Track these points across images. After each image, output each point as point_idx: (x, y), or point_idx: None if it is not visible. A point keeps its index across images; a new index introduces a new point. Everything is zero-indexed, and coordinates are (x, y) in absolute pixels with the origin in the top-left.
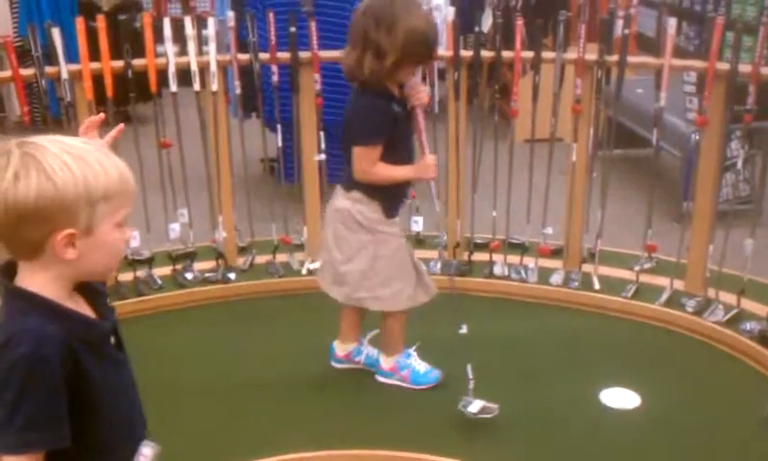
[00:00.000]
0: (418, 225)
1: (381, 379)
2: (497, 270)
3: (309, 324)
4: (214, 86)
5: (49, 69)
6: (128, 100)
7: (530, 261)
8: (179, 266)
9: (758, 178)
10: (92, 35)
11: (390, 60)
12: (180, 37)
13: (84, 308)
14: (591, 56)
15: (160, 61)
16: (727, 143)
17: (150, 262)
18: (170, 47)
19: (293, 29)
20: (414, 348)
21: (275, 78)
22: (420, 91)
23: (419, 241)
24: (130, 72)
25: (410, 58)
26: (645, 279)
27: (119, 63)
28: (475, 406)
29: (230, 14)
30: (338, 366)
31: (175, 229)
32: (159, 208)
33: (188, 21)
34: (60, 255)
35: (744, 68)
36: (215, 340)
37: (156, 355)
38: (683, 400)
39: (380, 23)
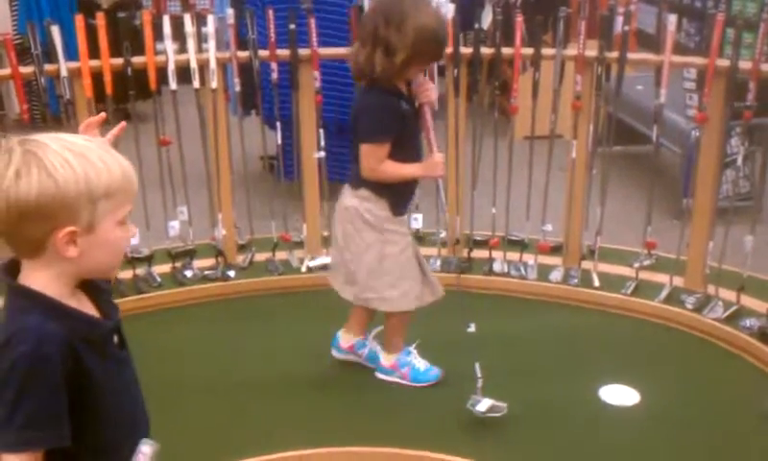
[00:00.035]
0: (417, 222)
1: (381, 377)
2: (497, 267)
3: (309, 321)
4: (214, 84)
5: (48, 67)
6: (127, 98)
7: (529, 258)
8: (178, 264)
9: (758, 174)
10: (92, 32)
11: (400, 57)
12: (179, 35)
13: (88, 306)
14: (591, 52)
15: (160, 59)
16: (727, 140)
17: (149, 260)
18: (169, 45)
19: (292, 26)
20: (414, 345)
21: (274, 75)
22: (429, 89)
23: (418, 238)
24: (129, 70)
25: (420, 55)
26: (645, 275)
27: (119, 61)
28: (484, 405)
29: (230, 12)
30: (338, 355)
31: (174, 226)
32: (159, 206)
33: (188, 19)
34: (61, 253)
35: (744, 65)
36: (215, 338)
37: (156, 353)
38: (682, 396)
39: (390, 21)
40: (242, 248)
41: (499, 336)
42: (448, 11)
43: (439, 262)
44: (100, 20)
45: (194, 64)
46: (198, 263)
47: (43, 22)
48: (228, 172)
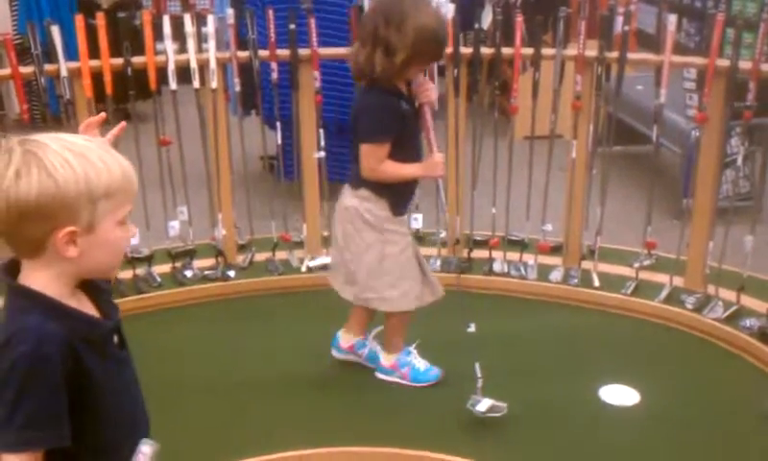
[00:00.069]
0: (417, 222)
1: (381, 377)
2: (497, 267)
3: (309, 321)
4: (214, 84)
5: (48, 67)
6: (127, 98)
7: (529, 258)
8: (178, 264)
9: (758, 174)
10: (92, 32)
11: (400, 57)
12: (179, 35)
13: (88, 306)
14: (591, 52)
15: (160, 59)
16: (727, 140)
17: (149, 260)
18: (169, 45)
19: (292, 26)
20: (414, 345)
21: (274, 75)
22: (429, 89)
23: (418, 238)
24: (129, 70)
25: (420, 55)
26: (645, 275)
27: (119, 61)
28: (484, 405)
29: (230, 12)
30: (338, 355)
31: (174, 226)
32: (159, 206)
33: (188, 19)
34: (61, 253)
35: (744, 65)
36: (215, 338)
37: (156, 353)
38: (682, 396)
39: (390, 20)
40: (242, 248)
41: (499, 336)
42: (448, 11)
43: (439, 262)
44: (100, 20)
45: (194, 64)
46: (198, 263)
47: (43, 22)
48: (228, 172)
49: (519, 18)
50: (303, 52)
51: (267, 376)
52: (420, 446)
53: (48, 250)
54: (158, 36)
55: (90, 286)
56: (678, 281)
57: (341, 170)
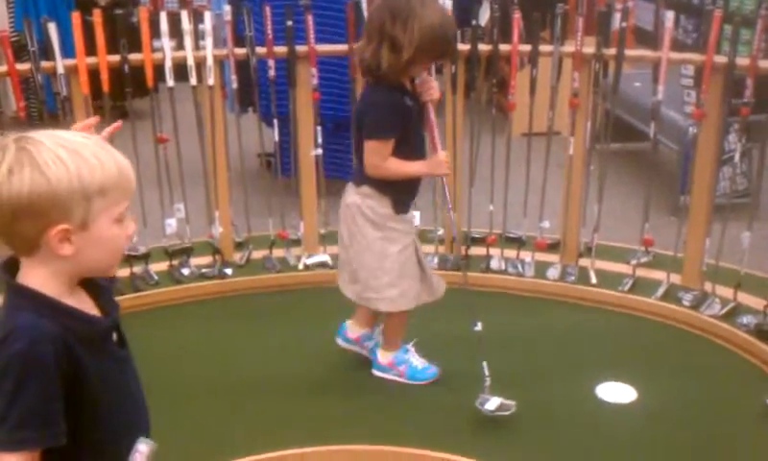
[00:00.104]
0: (415, 219)
1: (378, 374)
2: (494, 264)
3: (306, 319)
4: (211, 81)
5: (45, 64)
6: (124, 95)
7: (527, 255)
8: (175, 262)
9: (756, 171)
10: (89, 29)
11: (406, 54)
12: (176, 32)
13: (87, 304)
14: (589, 49)
15: (157, 56)
16: (724, 136)
17: (146, 258)
18: (167, 42)
19: (290, 23)
20: (411, 343)
21: (271, 72)
22: (432, 87)
23: None
24: (126, 67)
25: (426, 52)
26: (642, 273)
27: (116, 58)
28: (492, 404)
29: (227, 9)
30: (343, 344)
31: (171, 224)
32: (156, 204)
33: (185, 15)
34: (55, 251)
35: (742, 61)
36: (212, 335)
37: (153, 351)
38: (679, 394)
39: (396, 17)
40: (239, 245)
41: (496, 334)
42: (446, 7)
43: (436, 260)
44: (97, 17)
45: (191, 61)
46: (195, 261)
47: (40, 19)
48: (226, 169)
49: (517, 15)
50: (301, 49)
51: (265, 374)
52: (419, 444)
53: (43, 248)
54: (155, 33)
55: (92, 284)
56: (675, 278)
57: (338, 167)
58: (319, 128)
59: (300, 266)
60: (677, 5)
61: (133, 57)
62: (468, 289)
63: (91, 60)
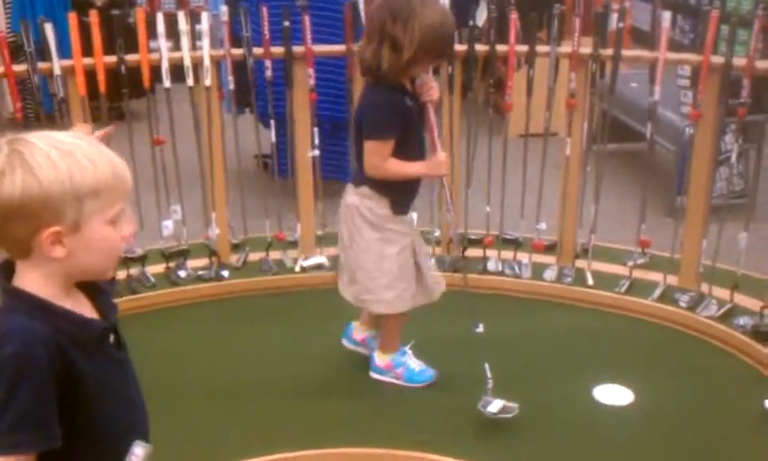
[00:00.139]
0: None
1: (375, 376)
2: (491, 266)
3: (303, 321)
4: (208, 82)
5: (42, 65)
6: (121, 96)
7: (524, 257)
8: (172, 264)
9: (752, 172)
10: (85, 30)
11: (406, 54)
12: (173, 33)
13: (85, 306)
14: (586, 49)
15: (154, 57)
16: (721, 137)
17: (143, 260)
18: (163, 42)
19: (287, 23)
20: (409, 346)
21: (268, 73)
22: (432, 87)
23: None
24: (123, 68)
25: (426, 53)
26: (639, 274)
27: (112, 59)
28: (495, 406)
29: (224, 9)
30: (348, 345)
31: (168, 226)
32: (152, 205)
33: (182, 16)
34: (47, 253)
35: (738, 62)
36: (208, 338)
37: (149, 353)
38: (676, 395)
39: (397, 17)
40: (236, 247)
41: (493, 335)
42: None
43: (433, 261)
44: (93, 18)
45: (188, 62)
46: (191, 263)
47: (37, 20)
48: (222, 170)
49: (514, 15)
50: (298, 49)
51: (262, 377)
52: (417, 447)
53: (36, 250)
54: (152, 33)
55: (91, 287)
56: (672, 280)
57: (336, 168)
58: (316, 129)
59: (297, 268)
60: (674, 5)
61: (130, 57)
62: (466, 291)
63: (88, 60)
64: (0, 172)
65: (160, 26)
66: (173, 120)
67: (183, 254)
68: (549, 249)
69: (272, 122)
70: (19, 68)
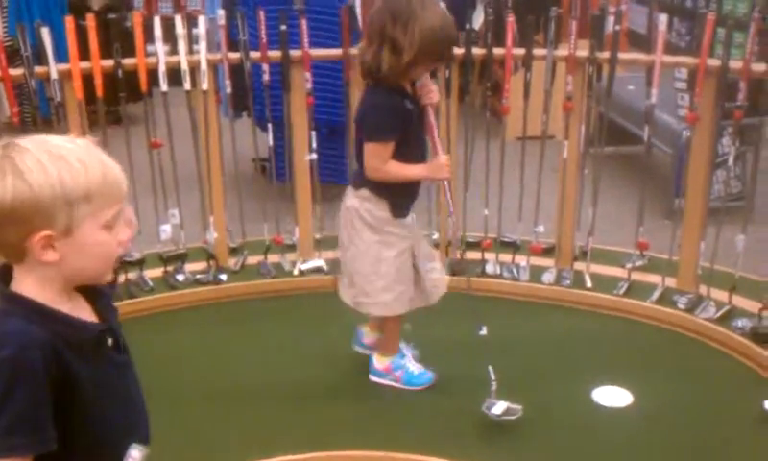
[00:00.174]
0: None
1: (374, 379)
2: (489, 269)
3: (301, 324)
4: (205, 86)
5: (38, 69)
6: (118, 100)
7: (522, 260)
8: (170, 268)
9: (749, 174)
10: (82, 34)
11: (406, 57)
12: (170, 37)
13: (84, 310)
14: (583, 52)
15: (151, 61)
16: (718, 140)
17: (141, 264)
18: (160, 46)
19: (284, 27)
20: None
21: (265, 77)
22: (432, 90)
23: None
24: (120, 72)
25: (426, 55)
26: (637, 276)
27: (109, 63)
28: (499, 408)
29: (221, 13)
30: (360, 350)
31: (166, 230)
32: (150, 209)
33: (179, 20)
34: (38, 258)
35: (735, 65)
36: (206, 342)
37: (148, 357)
38: (674, 397)
39: (397, 19)
40: (234, 251)
41: (492, 338)
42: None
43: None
44: (90, 22)
45: (185, 66)
46: (189, 267)
47: (33, 24)
48: (220, 174)
49: (510, 19)
50: (295, 53)
51: (260, 380)
52: (418, 450)
53: (29, 255)
54: (149, 37)
55: (91, 290)
56: (670, 282)
57: (333, 172)
58: (313, 132)
59: (295, 271)
60: (670, 8)
61: (127, 61)
62: (464, 294)
63: (85, 64)
64: None
65: (157, 30)
66: (170, 124)
67: (181, 258)
68: (547, 252)
69: (269, 126)
70: (16, 72)
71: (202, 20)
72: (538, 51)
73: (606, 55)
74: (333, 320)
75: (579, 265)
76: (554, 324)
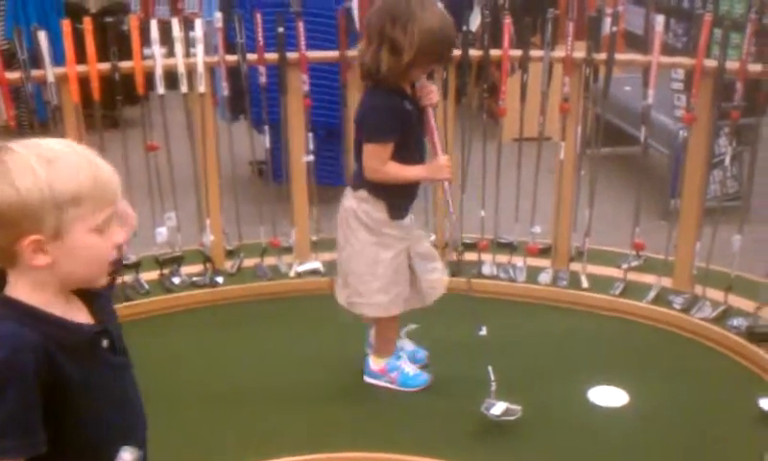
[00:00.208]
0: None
1: (369, 381)
2: (486, 269)
3: (298, 327)
4: (202, 88)
5: (35, 72)
6: (115, 103)
7: (518, 260)
8: (166, 270)
9: (746, 174)
10: (79, 37)
11: (406, 57)
12: (167, 39)
13: (80, 312)
14: (579, 54)
15: (147, 64)
16: (714, 140)
17: (137, 267)
18: (157, 49)
19: (281, 29)
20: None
21: (262, 79)
22: (431, 91)
23: None
24: (117, 75)
25: (426, 56)
26: (633, 276)
27: (106, 66)
28: (498, 408)
29: (218, 16)
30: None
31: (162, 232)
32: (147, 212)
33: (175, 23)
34: (29, 262)
35: (731, 65)
36: (203, 344)
37: (144, 360)
38: (670, 397)
39: (396, 20)
40: (230, 253)
41: (489, 339)
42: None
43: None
44: (87, 25)
45: (182, 69)
46: (186, 269)
47: (30, 27)
48: (217, 177)
49: (507, 20)
50: (292, 55)
51: (257, 383)
52: (415, 451)
53: (19, 259)
54: (146, 40)
55: (88, 292)
56: (666, 282)
57: (330, 174)
58: (310, 134)
59: (292, 274)
60: (667, 9)
61: (124, 64)
62: (463, 294)
63: (81, 68)
64: None
65: (154, 33)
66: (167, 127)
67: (178, 261)
68: (544, 252)
69: (266, 128)
70: (13, 76)
71: (198, 23)
72: (534, 52)
73: (603, 56)
74: (330, 322)
75: (575, 266)
76: (551, 324)
